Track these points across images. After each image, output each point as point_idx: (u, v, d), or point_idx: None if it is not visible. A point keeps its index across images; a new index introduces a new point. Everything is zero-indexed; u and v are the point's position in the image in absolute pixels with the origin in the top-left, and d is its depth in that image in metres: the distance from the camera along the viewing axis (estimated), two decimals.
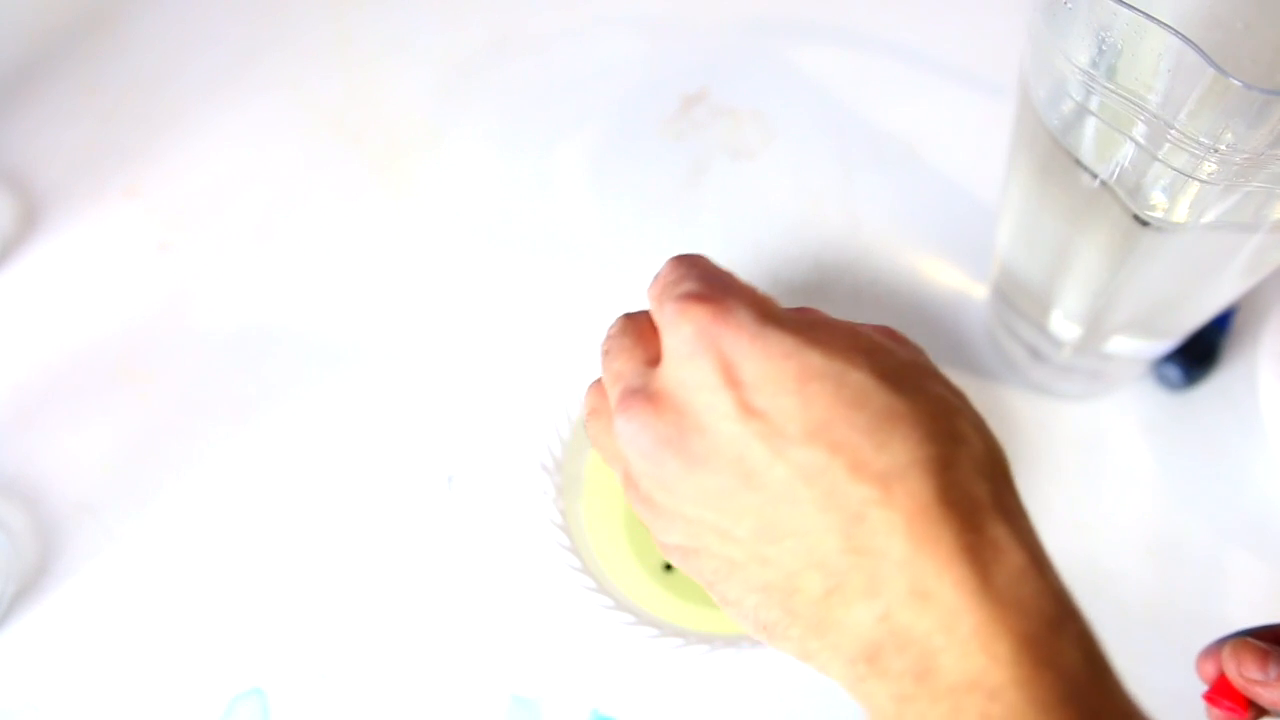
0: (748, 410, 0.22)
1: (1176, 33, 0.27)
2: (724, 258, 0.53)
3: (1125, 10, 0.29)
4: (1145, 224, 0.34)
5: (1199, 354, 0.48)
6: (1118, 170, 0.34)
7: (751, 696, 0.44)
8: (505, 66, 0.61)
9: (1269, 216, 0.33)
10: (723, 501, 0.23)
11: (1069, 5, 0.31)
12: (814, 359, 0.22)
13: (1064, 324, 0.43)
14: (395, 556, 0.46)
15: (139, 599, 0.46)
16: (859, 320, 0.26)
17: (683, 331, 0.23)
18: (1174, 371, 0.48)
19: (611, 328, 0.27)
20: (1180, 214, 0.34)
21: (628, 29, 0.62)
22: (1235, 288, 0.38)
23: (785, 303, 0.25)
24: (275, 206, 0.56)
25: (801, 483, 0.22)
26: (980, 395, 0.49)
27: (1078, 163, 0.34)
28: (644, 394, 0.24)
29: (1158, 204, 0.35)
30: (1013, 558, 0.21)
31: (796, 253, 0.53)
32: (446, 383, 0.51)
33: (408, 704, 0.44)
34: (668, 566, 0.44)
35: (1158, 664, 0.44)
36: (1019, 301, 0.45)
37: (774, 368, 0.22)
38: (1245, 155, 0.29)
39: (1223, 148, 0.30)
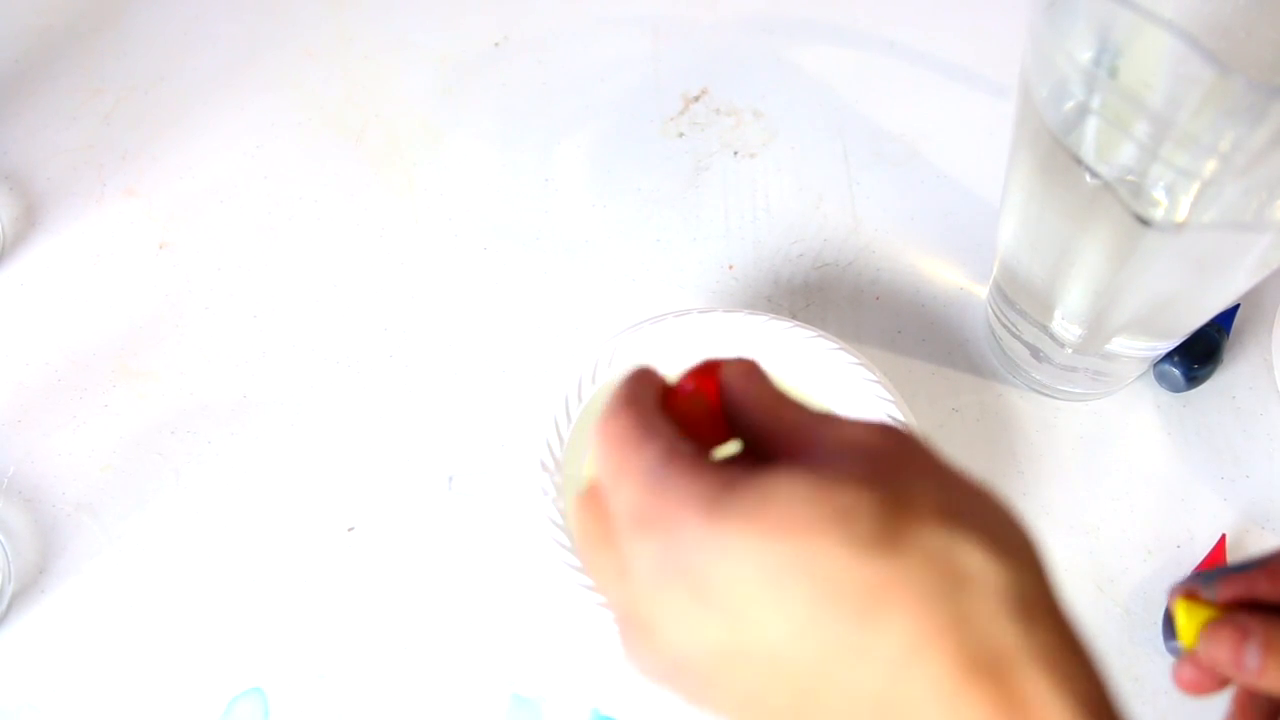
0: (731, 629, 0.21)
1: (1179, 33, 0.27)
2: (724, 257, 0.53)
3: (1127, 10, 0.29)
4: (1147, 223, 0.33)
5: (1199, 354, 0.48)
6: (1119, 169, 0.34)
7: None
8: (505, 66, 0.61)
9: (1270, 216, 0.33)
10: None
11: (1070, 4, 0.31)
12: (777, 554, 0.21)
13: (1065, 324, 0.43)
14: (395, 556, 0.46)
15: (138, 599, 0.46)
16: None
17: (640, 563, 0.22)
18: (1174, 371, 0.48)
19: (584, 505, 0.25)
20: (1181, 213, 0.34)
21: (628, 29, 0.62)
22: (1236, 287, 0.38)
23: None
24: (275, 206, 0.56)
25: (803, 697, 0.21)
26: (981, 395, 0.48)
27: (1079, 162, 0.34)
28: (633, 622, 0.23)
29: (1159, 203, 0.35)
30: (1049, 713, 0.19)
31: (797, 252, 0.53)
32: (446, 383, 0.51)
33: (407, 704, 0.43)
34: None
35: (1159, 664, 0.44)
36: (1020, 301, 0.45)
37: (740, 575, 0.21)
38: (1247, 155, 0.29)
39: (1224, 147, 0.29)
